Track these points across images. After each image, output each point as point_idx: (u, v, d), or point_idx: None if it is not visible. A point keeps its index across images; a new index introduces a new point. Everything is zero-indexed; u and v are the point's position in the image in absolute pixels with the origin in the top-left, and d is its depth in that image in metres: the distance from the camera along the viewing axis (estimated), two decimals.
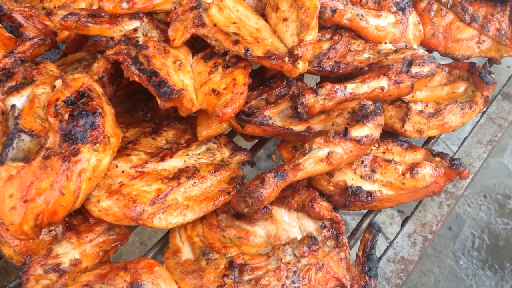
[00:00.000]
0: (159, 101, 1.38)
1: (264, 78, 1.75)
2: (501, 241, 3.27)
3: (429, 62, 1.65)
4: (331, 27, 1.85)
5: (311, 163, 1.40)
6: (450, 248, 3.26)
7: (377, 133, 1.46)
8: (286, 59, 1.50)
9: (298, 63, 1.50)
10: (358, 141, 1.42)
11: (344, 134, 1.42)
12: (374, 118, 1.45)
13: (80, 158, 1.27)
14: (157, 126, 1.60)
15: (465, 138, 1.81)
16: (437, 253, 3.25)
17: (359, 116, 1.47)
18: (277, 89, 1.69)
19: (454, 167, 1.52)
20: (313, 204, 1.45)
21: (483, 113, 1.89)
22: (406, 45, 1.78)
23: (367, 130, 1.43)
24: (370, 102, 1.53)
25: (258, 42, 1.59)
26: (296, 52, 1.50)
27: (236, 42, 1.56)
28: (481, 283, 3.07)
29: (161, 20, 1.73)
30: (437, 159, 1.57)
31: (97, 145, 1.31)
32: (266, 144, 1.78)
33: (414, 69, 1.63)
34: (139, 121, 1.62)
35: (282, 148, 1.64)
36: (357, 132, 1.43)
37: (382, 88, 1.60)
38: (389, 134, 1.74)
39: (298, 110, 1.52)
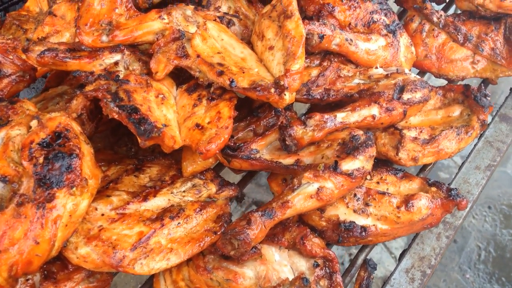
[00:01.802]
0: (139, 140, 1.32)
1: (252, 108, 1.69)
2: (508, 252, 3.21)
3: (421, 87, 1.60)
4: (320, 52, 1.80)
5: (300, 200, 1.33)
6: (456, 261, 3.20)
7: (369, 166, 1.39)
8: (272, 90, 1.45)
9: (285, 94, 1.44)
10: (349, 175, 1.35)
11: (334, 168, 1.35)
12: (365, 150, 1.38)
13: (56, 204, 1.21)
14: (141, 163, 1.54)
15: (462, 163, 1.75)
16: (442, 267, 3.19)
17: (349, 148, 1.41)
18: (265, 120, 1.63)
19: (451, 198, 1.46)
20: (305, 241, 1.38)
21: (481, 136, 1.83)
22: (397, 69, 1.73)
23: (358, 163, 1.37)
24: (361, 132, 1.46)
25: (243, 73, 1.53)
26: (282, 82, 1.44)
27: (221, 74, 1.51)
28: None
29: (144, 51, 1.67)
30: (433, 189, 1.50)
31: (74, 188, 1.24)
32: (257, 174, 1.71)
33: (406, 96, 1.57)
34: (122, 157, 1.56)
35: (272, 181, 1.58)
36: (348, 165, 1.36)
37: (373, 116, 1.54)
38: (383, 162, 1.68)
39: (286, 142, 1.46)
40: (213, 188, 1.50)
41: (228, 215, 1.46)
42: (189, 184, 1.48)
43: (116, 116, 1.36)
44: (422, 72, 2.06)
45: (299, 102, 1.70)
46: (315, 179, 1.35)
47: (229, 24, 1.80)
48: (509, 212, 3.44)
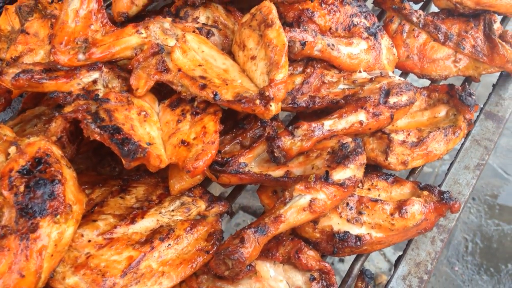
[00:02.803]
0: (123, 161, 1.27)
1: (237, 119, 1.65)
2: (494, 243, 3.24)
3: (406, 90, 1.58)
4: (302, 59, 1.77)
5: (293, 213, 1.30)
6: (444, 254, 3.22)
7: (360, 174, 1.37)
8: (258, 101, 1.41)
9: (271, 105, 1.41)
10: (341, 184, 1.33)
11: (326, 178, 1.32)
12: (356, 158, 1.36)
13: (40, 234, 1.16)
14: (126, 183, 1.49)
15: (451, 164, 1.74)
16: None
17: (339, 157, 1.39)
18: (251, 131, 1.60)
19: (444, 201, 1.44)
20: (299, 255, 1.35)
21: (468, 135, 1.82)
22: (381, 72, 1.71)
23: (349, 172, 1.34)
24: (349, 140, 1.44)
25: (226, 85, 1.50)
26: (267, 93, 1.41)
27: (204, 87, 1.47)
28: None
29: (123, 67, 1.63)
30: (425, 193, 1.48)
31: (58, 216, 1.20)
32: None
33: (392, 99, 1.55)
34: (106, 178, 1.51)
35: (262, 194, 1.54)
36: (339, 175, 1.34)
37: (360, 122, 1.52)
38: (372, 168, 1.66)
39: (275, 154, 1.43)
40: (202, 205, 1.46)
41: (220, 232, 1.42)
42: (177, 203, 1.43)
43: (98, 138, 1.31)
44: (404, 73, 2.04)
45: (285, 111, 1.67)
46: (307, 191, 1.32)
47: (209, 34, 1.77)
48: (492, 202, 3.46)
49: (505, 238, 3.24)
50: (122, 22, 1.94)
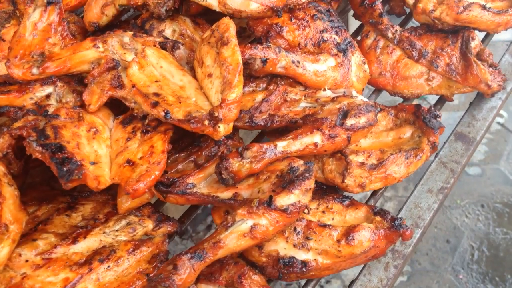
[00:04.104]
0: (60, 182, 1.26)
1: (195, 137, 1.63)
2: (501, 252, 3.20)
3: (365, 111, 1.54)
4: (267, 76, 1.74)
5: (233, 239, 1.28)
6: (448, 262, 3.18)
7: (306, 199, 1.34)
8: (206, 122, 1.39)
9: (219, 127, 1.38)
10: (284, 210, 1.30)
11: (269, 203, 1.30)
12: (301, 183, 1.33)
13: None
14: (74, 200, 1.48)
15: (415, 186, 1.69)
16: (435, 268, 3.17)
17: (286, 181, 1.36)
18: (207, 150, 1.57)
19: (394, 228, 1.40)
20: (242, 280, 1.32)
21: (435, 156, 1.77)
22: (344, 92, 1.67)
23: (293, 198, 1.31)
24: (300, 163, 1.41)
25: (180, 103, 1.48)
26: (216, 114, 1.39)
27: (155, 105, 1.45)
28: None
29: (81, 81, 1.62)
30: (378, 218, 1.44)
31: None
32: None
33: (349, 121, 1.52)
34: (56, 194, 1.50)
35: (215, 213, 1.52)
36: (283, 200, 1.31)
37: (315, 144, 1.49)
38: (332, 189, 1.62)
39: (223, 176, 1.40)
40: (150, 224, 1.44)
41: (165, 253, 1.40)
42: (123, 222, 1.42)
43: (39, 156, 1.30)
44: (378, 90, 2.00)
45: (243, 129, 1.65)
46: (249, 216, 1.30)
47: (174, 48, 1.75)
48: (502, 210, 3.42)
49: None
50: (93, 31, 1.94)
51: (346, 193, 1.59)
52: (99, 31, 1.91)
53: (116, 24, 1.99)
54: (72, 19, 2.04)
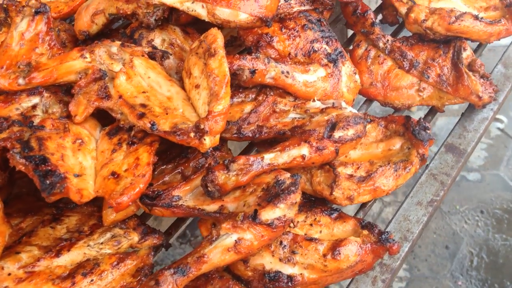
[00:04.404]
0: (42, 195, 1.25)
1: (183, 147, 1.62)
2: (500, 258, 3.19)
3: (354, 124, 1.53)
4: (256, 86, 1.74)
5: (217, 254, 1.26)
6: (447, 268, 3.17)
7: (291, 213, 1.32)
8: (192, 134, 1.38)
9: (204, 139, 1.37)
10: (269, 224, 1.29)
11: (253, 217, 1.28)
12: (287, 197, 1.31)
13: None
14: (59, 212, 1.47)
15: (405, 199, 1.68)
16: (434, 275, 3.16)
17: (271, 195, 1.34)
18: (194, 161, 1.56)
19: (381, 242, 1.39)
20: None
21: (426, 168, 1.76)
22: (333, 103, 1.66)
23: (279, 212, 1.30)
24: (287, 176, 1.40)
25: (167, 114, 1.47)
26: (202, 126, 1.38)
27: (141, 116, 1.44)
28: None
29: (69, 90, 1.61)
30: (365, 232, 1.43)
31: None
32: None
33: (337, 134, 1.51)
34: (41, 206, 1.49)
35: (202, 225, 1.50)
36: (268, 214, 1.29)
37: (303, 157, 1.48)
38: (320, 201, 1.61)
39: (209, 188, 1.39)
40: (135, 237, 1.43)
41: (150, 266, 1.39)
42: (108, 235, 1.40)
43: (22, 168, 1.29)
44: (369, 100, 1.99)
45: (231, 140, 1.64)
46: (234, 230, 1.28)
47: (163, 57, 1.74)
48: (501, 216, 3.41)
49: None
50: (83, 39, 1.93)
51: (334, 206, 1.58)
52: (90, 40, 1.91)
53: (106, 32, 1.98)
54: (63, 27, 2.04)
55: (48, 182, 1.25)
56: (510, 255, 3.20)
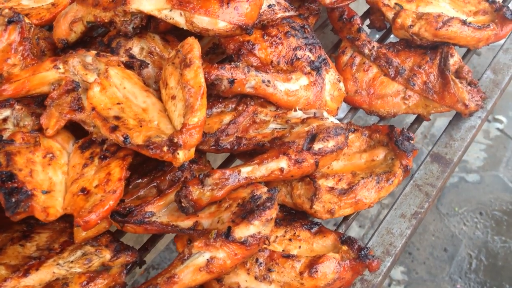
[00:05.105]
0: (6, 214, 1.21)
1: (159, 160, 1.57)
2: (500, 261, 3.16)
3: (334, 135, 1.49)
4: (237, 96, 1.69)
5: (188, 273, 1.22)
6: (446, 271, 3.15)
7: (266, 230, 1.28)
8: (165, 148, 1.34)
9: (178, 153, 1.33)
10: (242, 242, 1.24)
11: (227, 235, 1.24)
12: (262, 213, 1.27)
13: None
14: (30, 229, 1.42)
15: (388, 211, 1.64)
16: (432, 278, 3.14)
17: (246, 210, 1.30)
18: (171, 174, 1.52)
19: (360, 259, 1.35)
20: None
21: (410, 178, 1.72)
22: (315, 113, 1.62)
23: (253, 229, 1.26)
24: (264, 190, 1.36)
25: (141, 127, 1.42)
26: (176, 140, 1.33)
27: (114, 129, 1.40)
28: None
29: (42, 102, 1.56)
30: (344, 248, 1.39)
31: None
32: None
33: (316, 146, 1.47)
34: (11, 223, 1.44)
35: (178, 241, 1.46)
36: (242, 232, 1.25)
37: (281, 170, 1.44)
38: (301, 214, 1.57)
39: (183, 204, 1.35)
40: (107, 255, 1.38)
41: (122, 285, 1.35)
42: (78, 253, 1.36)
43: None
44: (354, 108, 1.95)
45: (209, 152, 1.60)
46: (206, 248, 1.24)
47: (141, 67, 1.70)
48: (501, 218, 3.38)
49: (511, 256, 3.14)
50: (62, 48, 1.89)
51: (315, 219, 1.54)
52: (69, 48, 1.86)
53: (86, 40, 1.94)
54: (42, 35, 1.99)
55: (13, 200, 1.21)
56: (509, 257, 3.17)
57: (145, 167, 1.56)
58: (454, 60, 1.90)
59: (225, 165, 1.77)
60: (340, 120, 1.78)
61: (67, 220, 1.46)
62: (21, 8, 2.12)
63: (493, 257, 3.19)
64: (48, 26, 2.13)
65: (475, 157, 3.79)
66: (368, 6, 2.19)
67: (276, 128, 1.59)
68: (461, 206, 3.50)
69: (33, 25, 1.89)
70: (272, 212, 1.29)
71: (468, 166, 3.70)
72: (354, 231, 3.36)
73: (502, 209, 3.43)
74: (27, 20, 1.88)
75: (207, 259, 1.23)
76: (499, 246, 3.25)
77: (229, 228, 1.25)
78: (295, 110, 1.65)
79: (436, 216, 3.42)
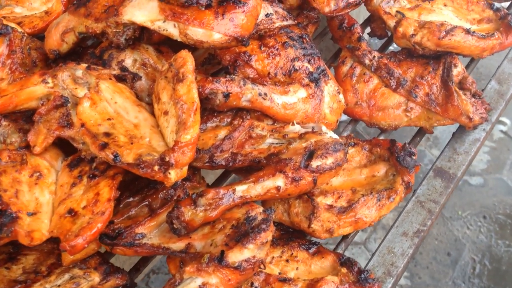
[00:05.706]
0: None
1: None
2: (504, 265, 3.12)
3: (333, 151, 1.43)
4: (232, 109, 1.64)
5: None
6: (449, 275, 3.10)
7: (261, 253, 1.22)
8: (156, 167, 1.28)
9: (169, 173, 1.27)
10: (236, 267, 1.19)
11: (220, 259, 1.19)
12: (257, 236, 1.21)
13: None
14: (16, 250, 1.37)
15: (389, 229, 1.58)
16: (435, 282, 3.09)
17: (240, 233, 1.24)
18: (163, 192, 1.46)
19: (360, 283, 1.29)
20: None
21: (412, 194, 1.66)
22: (313, 128, 1.56)
23: (247, 253, 1.20)
24: (259, 211, 1.30)
25: (132, 144, 1.37)
26: (167, 158, 1.28)
27: (104, 147, 1.34)
28: None
29: (30, 117, 1.51)
30: (344, 270, 1.33)
31: None
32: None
33: (314, 163, 1.41)
34: None
35: (170, 263, 1.40)
36: (235, 256, 1.20)
37: (278, 188, 1.38)
38: (299, 233, 1.51)
39: (174, 226, 1.29)
40: (96, 277, 1.33)
41: None
42: (66, 276, 1.31)
43: None
44: (355, 120, 1.89)
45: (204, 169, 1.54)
46: (198, 273, 1.19)
47: (134, 79, 1.64)
48: (504, 222, 3.33)
49: None
50: (53, 58, 1.84)
51: (313, 239, 1.48)
52: (61, 59, 1.82)
53: (78, 51, 1.89)
54: (34, 45, 1.94)
55: None
56: None
57: (137, 184, 1.50)
58: (458, 70, 1.84)
59: (220, 180, 1.71)
60: (339, 133, 1.72)
61: (55, 241, 1.40)
62: (13, 16, 2.06)
63: (497, 261, 3.13)
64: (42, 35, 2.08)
65: (478, 160, 3.73)
66: (369, 14, 2.14)
67: (273, 144, 1.53)
68: (465, 210, 3.44)
69: (26, 34, 1.85)
70: (268, 235, 1.24)
71: (471, 169, 3.64)
72: (356, 235, 3.30)
73: (506, 213, 3.37)
74: (19, 29, 1.83)
75: (199, 285, 1.17)
76: (503, 250, 3.19)
77: (222, 252, 1.20)
78: (293, 124, 1.60)
79: (439, 219, 3.37)
